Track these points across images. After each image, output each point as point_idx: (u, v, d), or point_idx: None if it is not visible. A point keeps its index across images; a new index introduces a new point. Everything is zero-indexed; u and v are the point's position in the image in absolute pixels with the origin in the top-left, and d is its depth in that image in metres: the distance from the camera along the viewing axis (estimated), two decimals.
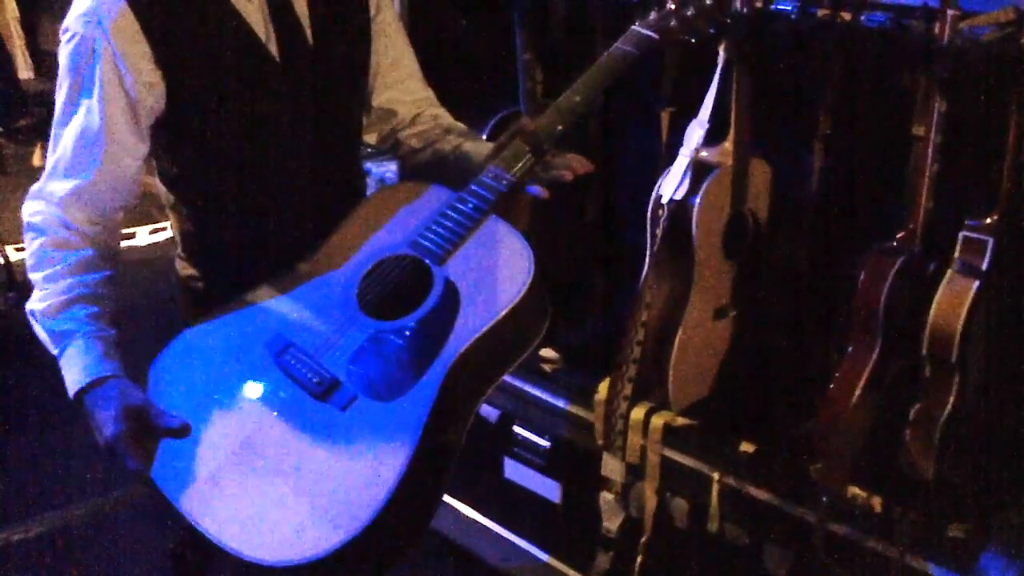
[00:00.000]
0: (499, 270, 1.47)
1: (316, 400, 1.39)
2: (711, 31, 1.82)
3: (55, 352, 1.46)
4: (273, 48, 1.53)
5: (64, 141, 1.50)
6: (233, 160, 1.55)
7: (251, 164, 1.56)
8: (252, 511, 1.33)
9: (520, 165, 1.53)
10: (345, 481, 1.33)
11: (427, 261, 1.47)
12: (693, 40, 1.79)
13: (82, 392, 1.40)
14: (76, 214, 1.51)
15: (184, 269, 1.71)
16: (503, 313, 1.42)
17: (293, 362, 1.42)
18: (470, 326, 1.42)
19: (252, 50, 1.51)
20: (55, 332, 1.45)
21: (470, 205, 1.49)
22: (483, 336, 1.41)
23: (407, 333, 1.44)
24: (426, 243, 1.48)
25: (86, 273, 1.49)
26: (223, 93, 1.51)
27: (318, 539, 1.28)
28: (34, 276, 1.50)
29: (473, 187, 1.51)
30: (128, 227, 1.91)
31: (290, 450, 1.37)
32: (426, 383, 1.38)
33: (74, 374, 1.41)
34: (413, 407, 1.36)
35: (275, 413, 1.39)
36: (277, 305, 1.49)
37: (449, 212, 1.49)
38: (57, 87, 1.51)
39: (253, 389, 1.42)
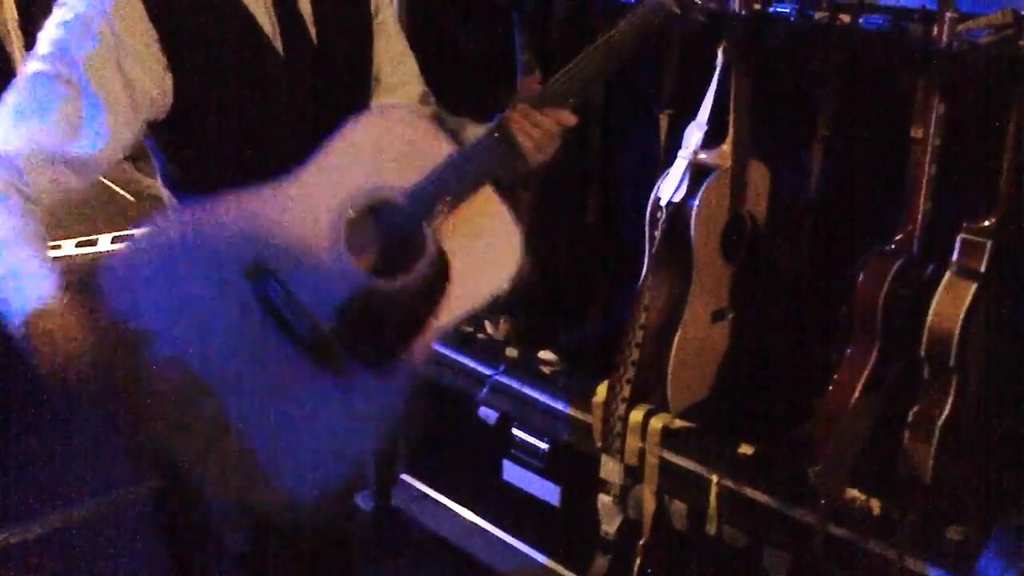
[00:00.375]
0: (490, 251, 1.45)
1: (300, 351, 1.35)
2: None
3: None
4: (278, 44, 1.51)
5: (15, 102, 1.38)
6: (236, 158, 1.53)
7: (254, 163, 1.54)
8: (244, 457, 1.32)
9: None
10: (322, 443, 1.34)
11: (422, 219, 1.42)
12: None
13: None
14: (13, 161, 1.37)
15: None
16: (487, 300, 1.42)
17: (277, 299, 1.36)
18: (455, 309, 1.41)
19: (258, 45, 1.48)
20: None
21: (472, 168, 1.45)
22: (470, 313, 1.42)
23: (396, 297, 1.40)
24: (423, 199, 1.43)
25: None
26: (229, 86, 1.47)
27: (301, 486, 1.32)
28: None
29: (480, 149, 1.47)
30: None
31: (270, 397, 1.34)
32: (412, 355, 1.38)
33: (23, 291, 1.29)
34: (396, 380, 1.37)
35: (255, 351, 1.34)
36: (258, 223, 1.38)
37: (451, 171, 1.45)
38: (35, 51, 1.41)
39: (230, 319, 1.35)
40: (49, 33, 1.40)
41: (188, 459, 1.33)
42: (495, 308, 1.50)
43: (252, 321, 1.35)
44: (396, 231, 1.45)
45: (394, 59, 1.72)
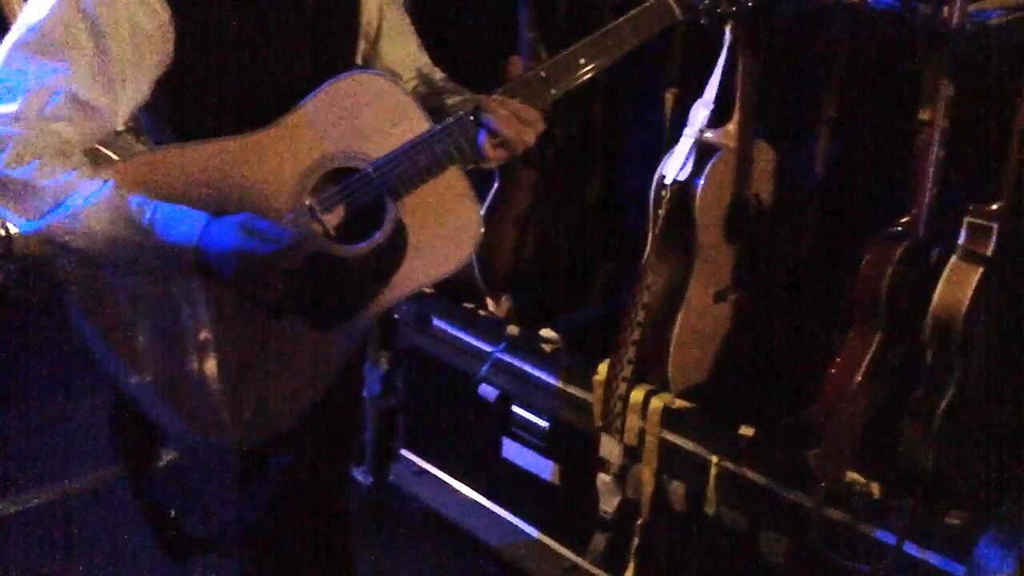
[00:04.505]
0: (449, 234, 1.47)
1: (249, 305, 1.41)
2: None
3: (139, 232, 1.37)
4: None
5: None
6: (232, 122, 1.51)
7: (244, 122, 1.52)
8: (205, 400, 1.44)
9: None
10: (271, 390, 1.45)
11: (385, 193, 1.43)
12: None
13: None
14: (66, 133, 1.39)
15: None
16: (441, 276, 1.47)
17: None
18: (408, 282, 1.45)
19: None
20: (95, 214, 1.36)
21: (441, 148, 1.44)
22: (418, 290, 1.48)
23: (349, 265, 1.42)
24: (390, 173, 1.43)
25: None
26: (230, 44, 1.45)
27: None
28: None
29: (450, 128, 1.45)
30: None
31: (220, 346, 1.42)
32: (360, 322, 1.45)
33: (175, 225, 1.36)
34: (346, 341, 1.45)
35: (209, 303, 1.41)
36: (218, 176, 1.40)
37: (422, 148, 1.44)
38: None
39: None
40: None
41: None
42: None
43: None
44: (359, 199, 1.45)
45: (392, 32, 1.69)
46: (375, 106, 1.45)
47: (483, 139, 1.46)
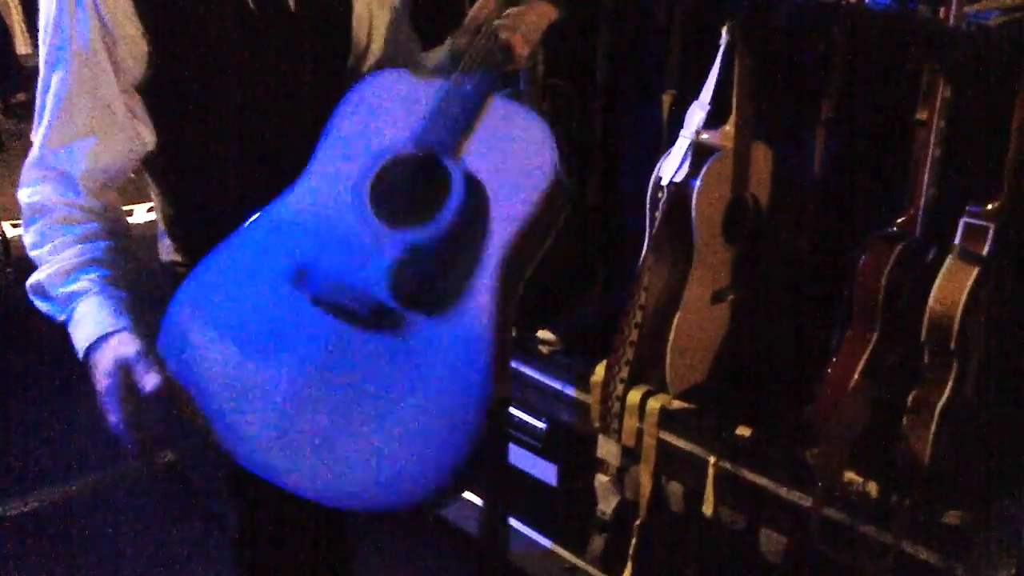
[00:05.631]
0: (520, 153, 1.38)
1: (367, 331, 1.32)
2: None
3: (62, 317, 1.39)
4: (253, 5, 1.47)
5: (50, 106, 1.42)
6: (214, 130, 1.50)
7: (233, 134, 1.51)
8: (338, 461, 1.30)
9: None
10: (431, 411, 1.29)
11: (439, 156, 1.38)
12: None
13: (90, 350, 1.34)
14: (77, 184, 1.45)
15: (168, 254, 1.66)
16: (538, 198, 1.36)
17: (326, 292, 1.34)
18: (507, 216, 1.35)
19: (235, 8, 1.45)
20: (63, 295, 1.38)
21: (469, 85, 1.39)
22: (524, 224, 1.35)
23: (441, 238, 1.35)
24: (432, 137, 1.38)
25: (96, 241, 1.43)
26: (207, 54, 1.45)
27: (424, 474, 1.28)
28: (37, 253, 1.44)
29: (464, 63, 1.40)
30: (126, 204, 1.88)
31: (359, 390, 1.31)
32: (479, 287, 1.32)
33: (83, 330, 1.35)
34: (474, 314, 1.31)
35: (326, 352, 1.32)
36: (287, 229, 1.38)
37: (449, 98, 1.39)
38: (40, 43, 1.42)
39: (289, 329, 1.34)
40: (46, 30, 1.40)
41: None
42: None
43: (312, 325, 1.34)
44: (419, 179, 1.40)
45: (387, 31, 1.68)
46: (387, 98, 1.42)
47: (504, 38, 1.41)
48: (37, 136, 1.46)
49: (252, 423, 1.33)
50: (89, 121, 1.43)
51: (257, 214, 1.41)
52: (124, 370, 1.30)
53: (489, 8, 1.46)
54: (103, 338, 1.33)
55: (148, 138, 1.49)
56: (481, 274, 1.33)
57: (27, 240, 1.46)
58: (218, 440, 1.33)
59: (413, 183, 1.41)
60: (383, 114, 1.41)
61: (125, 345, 1.32)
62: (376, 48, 1.67)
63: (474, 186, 1.35)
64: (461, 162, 1.37)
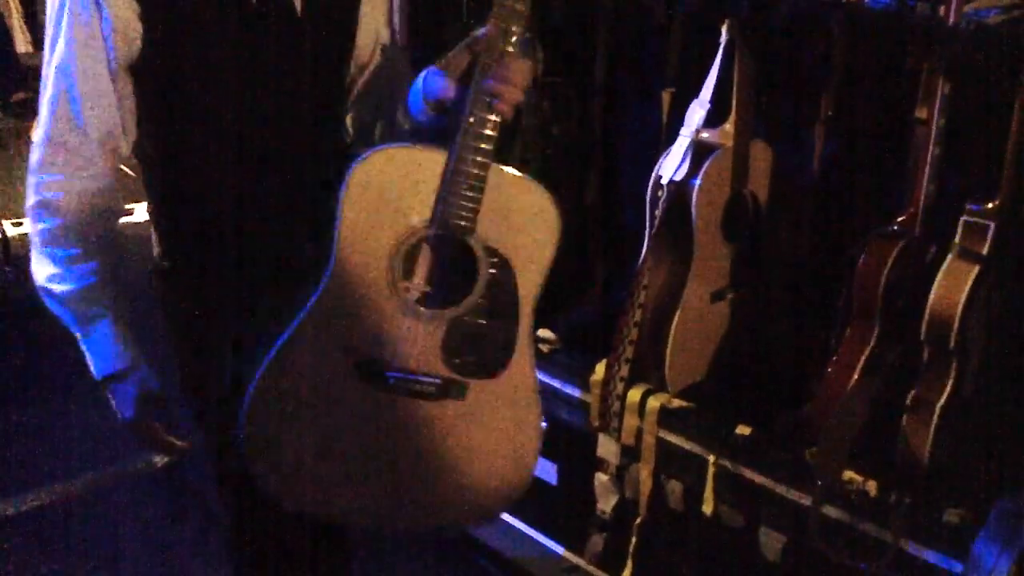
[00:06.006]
0: (531, 221, 1.47)
1: (436, 402, 1.49)
2: None
3: (79, 333, 1.48)
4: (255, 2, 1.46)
5: (62, 102, 1.42)
6: (205, 123, 1.48)
7: (224, 130, 1.49)
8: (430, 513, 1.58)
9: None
10: (501, 452, 1.56)
11: (459, 234, 1.43)
12: None
13: (108, 379, 1.48)
14: (96, 170, 1.46)
15: (156, 251, 1.64)
16: (552, 256, 1.48)
17: (393, 382, 1.47)
18: (531, 277, 1.48)
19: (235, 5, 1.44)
20: (81, 314, 1.47)
21: (470, 162, 1.41)
22: (544, 277, 1.49)
23: (482, 310, 1.47)
24: (451, 218, 1.42)
25: (110, 253, 1.48)
26: (200, 44, 1.43)
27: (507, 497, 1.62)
28: (50, 252, 1.45)
29: (465, 140, 1.41)
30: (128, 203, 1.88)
31: (430, 449, 1.52)
32: (519, 342, 1.50)
33: (101, 359, 1.48)
34: (520, 365, 1.51)
35: (403, 428, 1.50)
36: (335, 327, 1.46)
37: (456, 176, 1.41)
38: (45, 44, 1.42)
39: (367, 417, 1.49)
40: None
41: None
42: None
43: (387, 410, 1.49)
44: (446, 258, 1.48)
45: (389, 65, 1.67)
46: (394, 177, 1.44)
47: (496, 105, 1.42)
48: (46, 133, 1.45)
49: (347, 493, 1.54)
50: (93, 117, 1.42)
51: (300, 314, 1.46)
52: (151, 413, 1.52)
53: (481, 48, 1.45)
54: (120, 373, 1.49)
55: (129, 126, 1.48)
56: (519, 331, 1.49)
57: (38, 235, 1.47)
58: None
59: (442, 265, 1.49)
60: (393, 195, 1.44)
61: (149, 384, 1.52)
62: (372, 58, 1.67)
63: (495, 254, 1.46)
64: (480, 237, 1.44)
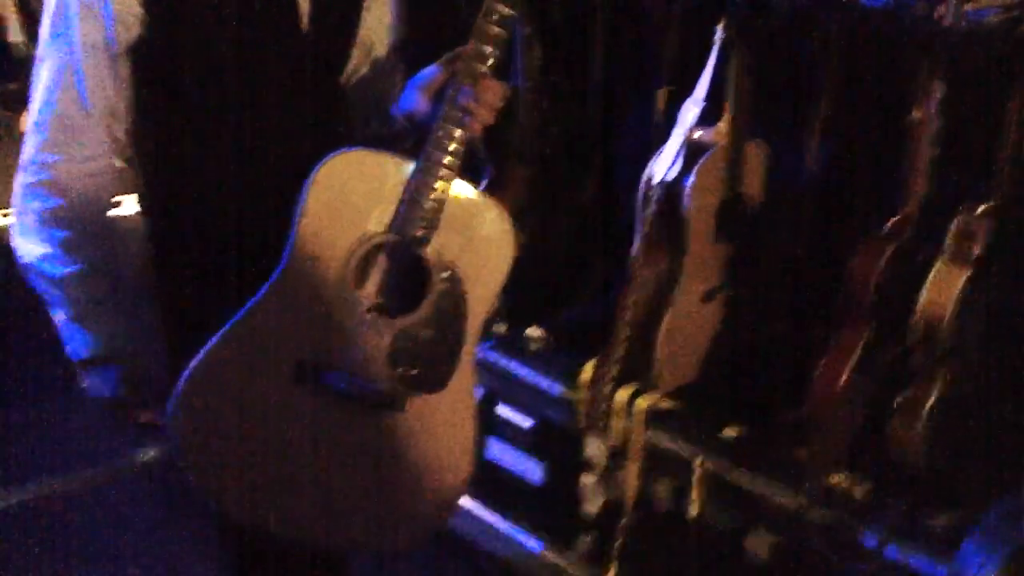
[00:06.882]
0: (485, 239, 1.47)
1: (373, 411, 1.46)
2: None
3: (64, 315, 1.48)
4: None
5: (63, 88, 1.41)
6: (199, 115, 1.48)
7: (220, 122, 1.49)
8: (352, 521, 1.52)
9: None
10: (433, 466, 1.51)
11: (415, 246, 1.44)
12: None
13: (84, 363, 1.50)
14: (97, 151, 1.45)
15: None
16: (503, 281, 1.47)
17: (336, 383, 1.44)
18: (481, 297, 1.46)
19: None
20: (71, 297, 1.47)
21: (433, 175, 1.42)
22: (495, 298, 1.48)
23: (429, 324, 1.45)
24: (408, 227, 1.43)
25: (104, 239, 1.47)
26: (202, 33, 1.43)
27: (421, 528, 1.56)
28: (48, 232, 1.44)
29: (432, 153, 1.42)
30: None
31: (370, 459, 1.49)
32: (463, 361, 1.47)
33: (82, 342, 1.49)
34: (462, 383, 1.48)
35: (336, 434, 1.47)
36: (281, 321, 1.44)
37: (418, 188, 1.42)
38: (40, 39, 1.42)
39: (301, 420, 1.45)
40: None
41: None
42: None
43: (321, 413, 1.45)
44: (400, 266, 1.47)
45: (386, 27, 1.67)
46: (359, 181, 1.44)
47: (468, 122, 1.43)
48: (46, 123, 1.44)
49: (274, 499, 1.49)
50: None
51: (248, 305, 1.44)
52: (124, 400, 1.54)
53: (458, 67, 1.45)
54: (96, 360, 1.50)
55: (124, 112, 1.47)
56: (463, 349, 1.47)
57: (31, 215, 1.46)
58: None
59: (395, 272, 1.47)
60: (356, 198, 1.44)
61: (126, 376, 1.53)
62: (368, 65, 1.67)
63: (450, 272, 1.45)
64: (435, 250, 1.44)
